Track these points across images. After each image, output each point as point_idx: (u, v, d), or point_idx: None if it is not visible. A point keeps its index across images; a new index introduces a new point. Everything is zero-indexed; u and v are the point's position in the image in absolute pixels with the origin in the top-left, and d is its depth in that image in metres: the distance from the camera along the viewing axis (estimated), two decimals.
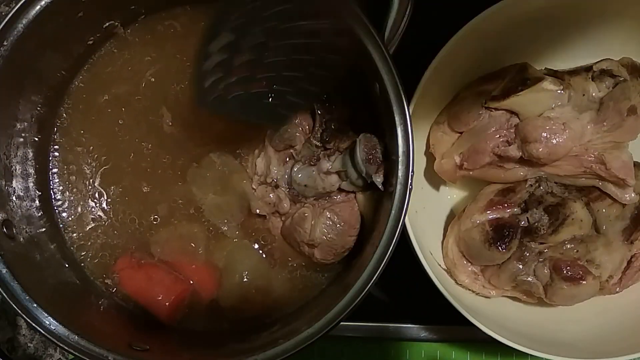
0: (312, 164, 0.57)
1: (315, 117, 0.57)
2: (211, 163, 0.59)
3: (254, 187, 0.59)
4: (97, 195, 0.59)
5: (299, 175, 0.57)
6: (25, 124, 0.55)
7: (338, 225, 0.56)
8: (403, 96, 0.48)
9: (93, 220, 0.59)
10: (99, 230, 0.59)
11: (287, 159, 0.58)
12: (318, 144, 0.56)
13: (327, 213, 0.56)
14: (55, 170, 0.59)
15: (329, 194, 0.57)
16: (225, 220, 0.59)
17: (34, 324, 0.47)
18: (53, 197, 0.59)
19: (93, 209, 0.59)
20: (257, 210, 0.58)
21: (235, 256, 0.59)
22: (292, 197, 0.58)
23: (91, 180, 0.59)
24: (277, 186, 0.58)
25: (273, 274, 0.59)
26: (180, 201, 0.59)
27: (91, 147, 0.59)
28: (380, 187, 0.52)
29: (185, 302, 0.58)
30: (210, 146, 0.59)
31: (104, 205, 0.59)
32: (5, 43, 0.48)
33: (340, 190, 0.57)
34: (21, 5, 0.47)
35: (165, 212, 0.59)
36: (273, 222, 0.59)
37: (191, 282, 0.58)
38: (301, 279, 0.59)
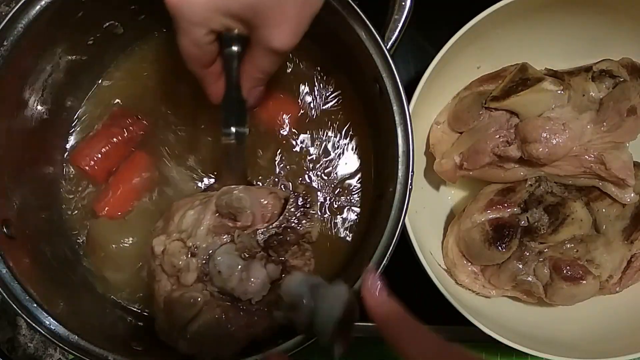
0: (243, 257, 0.47)
1: (281, 215, 0.49)
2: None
3: (167, 239, 0.49)
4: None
5: (220, 258, 0.47)
6: (27, 125, 0.55)
7: (223, 330, 0.47)
8: (403, 96, 0.48)
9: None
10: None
11: (223, 234, 0.48)
12: (260, 242, 0.48)
13: (219, 311, 0.47)
14: (60, 173, 0.59)
15: (237, 300, 0.48)
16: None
17: (34, 324, 0.47)
18: (57, 195, 0.59)
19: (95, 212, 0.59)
20: (159, 264, 0.49)
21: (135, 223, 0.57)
22: (200, 274, 0.48)
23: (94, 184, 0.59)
24: (194, 255, 0.48)
25: None
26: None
27: None
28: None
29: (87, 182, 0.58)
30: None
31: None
32: (5, 43, 0.48)
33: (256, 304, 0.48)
34: (21, 5, 0.47)
35: None
36: (161, 284, 0.49)
37: (109, 184, 0.58)
38: None
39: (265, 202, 0.49)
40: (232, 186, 0.49)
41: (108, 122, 0.59)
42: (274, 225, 0.48)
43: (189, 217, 0.49)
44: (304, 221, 0.49)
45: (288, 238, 0.48)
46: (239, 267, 0.47)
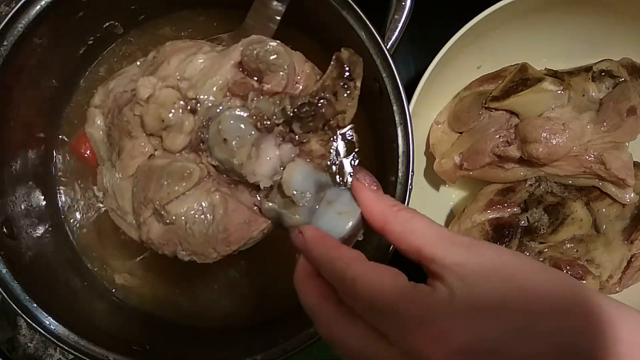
0: (258, 127, 0.36)
1: (321, 86, 0.38)
2: None
3: (158, 83, 0.37)
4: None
5: (229, 122, 0.36)
6: (27, 124, 0.55)
7: (213, 225, 0.37)
8: (403, 96, 0.48)
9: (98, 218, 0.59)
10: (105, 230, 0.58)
11: (238, 96, 0.37)
12: (289, 112, 0.36)
13: (216, 197, 0.37)
14: (60, 170, 0.59)
15: (240, 181, 0.38)
16: None
17: (34, 324, 0.47)
18: (57, 194, 0.59)
19: (98, 207, 0.59)
20: (138, 115, 0.37)
21: None
22: (195, 139, 0.37)
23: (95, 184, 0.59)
24: (194, 111, 0.37)
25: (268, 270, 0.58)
26: None
27: None
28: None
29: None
30: None
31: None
32: (5, 43, 0.48)
33: (257, 193, 0.38)
34: (21, 5, 0.47)
35: None
36: (137, 143, 0.38)
37: None
38: None
39: (301, 70, 0.40)
40: (264, 37, 0.38)
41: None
42: (307, 92, 0.38)
43: (196, 62, 0.38)
44: (344, 95, 0.38)
45: (323, 111, 0.37)
46: (250, 137, 0.36)
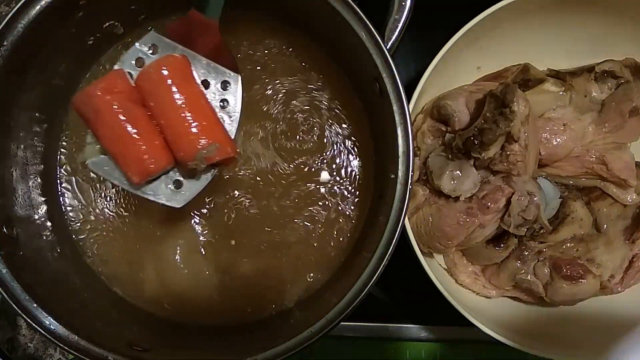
0: (451, 158, 0.54)
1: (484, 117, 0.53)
2: None
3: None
4: (103, 194, 0.59)
5: (433, 159, 0.55)
6: (27, 125, 0.55)
7: (432, 227, 0.56)
8: (403, 96, 0.48)
9: (100, 218, 0.59)
10: (107, 229, 0.59)
11: (438, 137, 0.57)
12: (460, 146, 0.52)
13: (433, 208, 0.56)
14: (61, 170, 0.59)
15: (448, 197, 0.54)
16: None
17: (34, 324, 0.47)
18: (58, 194, 0.59)
19: (100, 207, 0.59)
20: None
21: None
22: (420, 173, 0.57)
23: (99, 183, 0.59)
24: (416, 155, 0.52)
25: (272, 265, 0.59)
26: None
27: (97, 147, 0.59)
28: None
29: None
30: None
31: (112, 202, 0.59)
32: (5, 43, 0.48)
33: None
34: (21, 5, 0.47)
35: None
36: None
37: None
38: (299, 276, 0.59)
39: (468, 109, 0.54)
40: (443, 93, 0.56)
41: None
42: (471, 127, 0.51)
43: (418, 120, 0.58)
44: (504, 120, 0.50)
45: (486, 139, 0.50)
46: (449, 167, 0.53)
